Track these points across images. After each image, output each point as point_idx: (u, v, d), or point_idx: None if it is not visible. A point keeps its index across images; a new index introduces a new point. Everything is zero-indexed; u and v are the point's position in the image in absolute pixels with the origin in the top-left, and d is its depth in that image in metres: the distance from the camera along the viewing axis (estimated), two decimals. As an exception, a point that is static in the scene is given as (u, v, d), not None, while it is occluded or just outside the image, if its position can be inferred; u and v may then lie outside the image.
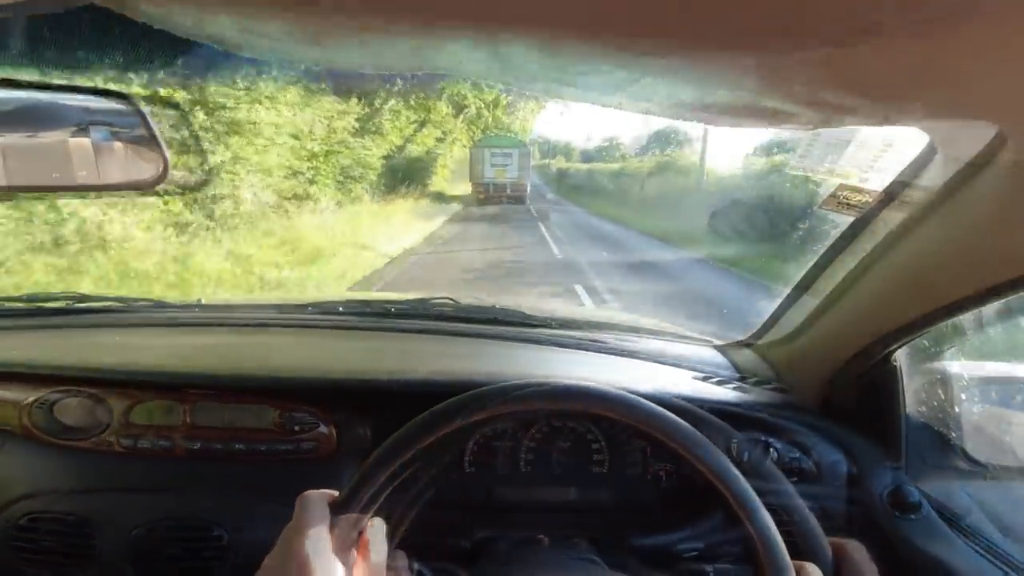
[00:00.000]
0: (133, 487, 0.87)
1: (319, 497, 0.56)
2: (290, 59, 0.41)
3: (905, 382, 0.93)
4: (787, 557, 0.58)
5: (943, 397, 0.99)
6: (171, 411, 0.89)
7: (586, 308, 3.84)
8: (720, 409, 0.96)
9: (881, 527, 0.88)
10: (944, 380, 1.00)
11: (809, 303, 0.96)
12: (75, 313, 1.22)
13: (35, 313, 1.21)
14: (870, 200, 0.69)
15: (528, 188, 24.25)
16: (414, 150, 19.66)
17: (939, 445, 0.98)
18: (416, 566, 0.75)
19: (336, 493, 0.58)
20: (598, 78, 0.40)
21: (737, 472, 0.62)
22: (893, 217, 0.70)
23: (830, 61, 0.33)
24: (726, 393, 1.02)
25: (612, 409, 0.63)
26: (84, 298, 1.34)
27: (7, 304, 1.28)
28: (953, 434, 0.97)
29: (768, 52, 0.33)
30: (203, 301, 1.50)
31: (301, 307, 1.35)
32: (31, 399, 0.88)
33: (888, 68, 0.35)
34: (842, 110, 0.41)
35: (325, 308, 1.32)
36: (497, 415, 0.63)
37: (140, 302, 1.35)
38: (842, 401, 0.97)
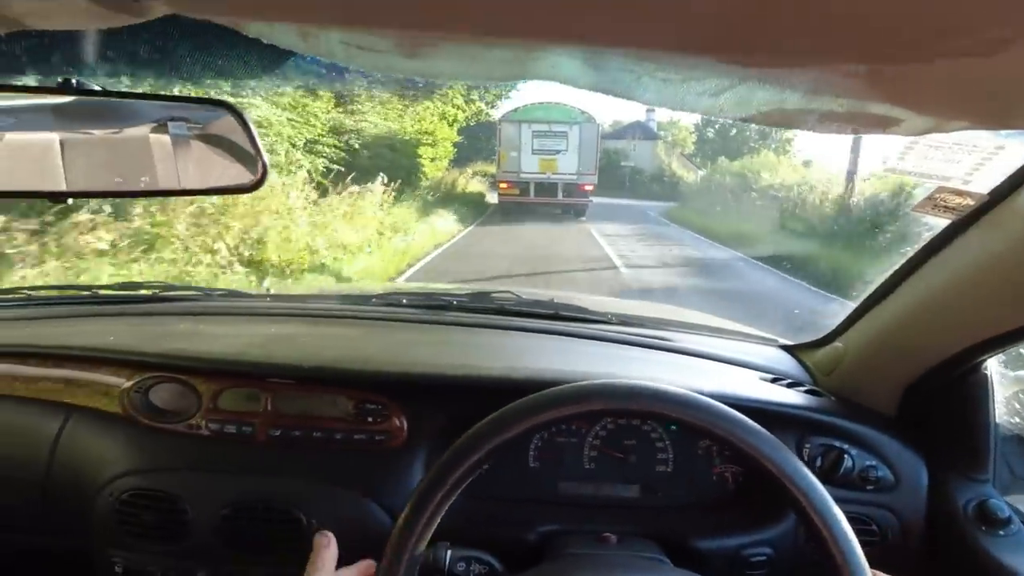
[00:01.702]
0: (220, 469, 0.92)
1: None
2: (390, 72, 0.43)
3: (995, 391, 0.88)
4: (865, 563, 0.57)
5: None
6: (254, 398, 0.94)
7: (645, 304, 3.76)
8: (790, 413, 0.94)
9: (965, 542, 0.84)
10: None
11: (893, 307, 0.92)
12: (161, 301, 1.30)
13: (127, 300, 1.30)
14: (970, 203, 0.65)
15: (592, 190, 16.02)
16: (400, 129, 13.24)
17: None
18: (450, 553, 0.76)
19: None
20: (697, 84, 0.40)
21: (813, 476, 0.60)
22: (994, 220, 0.66)
23: (953, 71, 0.32)
24: (796, 396, 1.00)
25: (684, 411, 0.62)
26: (169, 287, 1.43)
27: (103, 292, 1.37)
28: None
29: (888, 64, 0.32)
30: (272, 291, 1.56)
31: (365, 298, 1.39)
32: (129, 384, 0.95)
33: (1011, 77, 0.33)
34: (956, 116, 0.39)
35: (389, 300, 1.35)
36: (565, 416, 0.63)
37: (217, 291, 1.42)
38: (924, 409, 0.93)
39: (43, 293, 1.32)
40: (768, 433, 0.61)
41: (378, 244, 9.03)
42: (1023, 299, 0.68)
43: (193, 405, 0.94)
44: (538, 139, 15.98)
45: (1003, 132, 0.54)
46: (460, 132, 17.80)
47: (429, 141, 14.88)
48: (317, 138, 9.15)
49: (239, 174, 0.69)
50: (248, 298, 1.45)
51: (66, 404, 0.98)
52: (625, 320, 1.30)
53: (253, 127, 0.66)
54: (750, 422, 0.62)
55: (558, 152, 16.01)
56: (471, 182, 20.21)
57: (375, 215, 9.61)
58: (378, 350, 1.08)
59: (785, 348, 1.25)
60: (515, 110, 16.60)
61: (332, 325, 1.22)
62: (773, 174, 15.88)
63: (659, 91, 0.40)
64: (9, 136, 0.65)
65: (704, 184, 22.94)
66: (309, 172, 8.44)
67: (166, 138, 0.67)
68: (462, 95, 15.88)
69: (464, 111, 17.35)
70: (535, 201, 15.95)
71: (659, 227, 16.58)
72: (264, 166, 0.68)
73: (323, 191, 8.55)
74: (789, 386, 1.03)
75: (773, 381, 1.04)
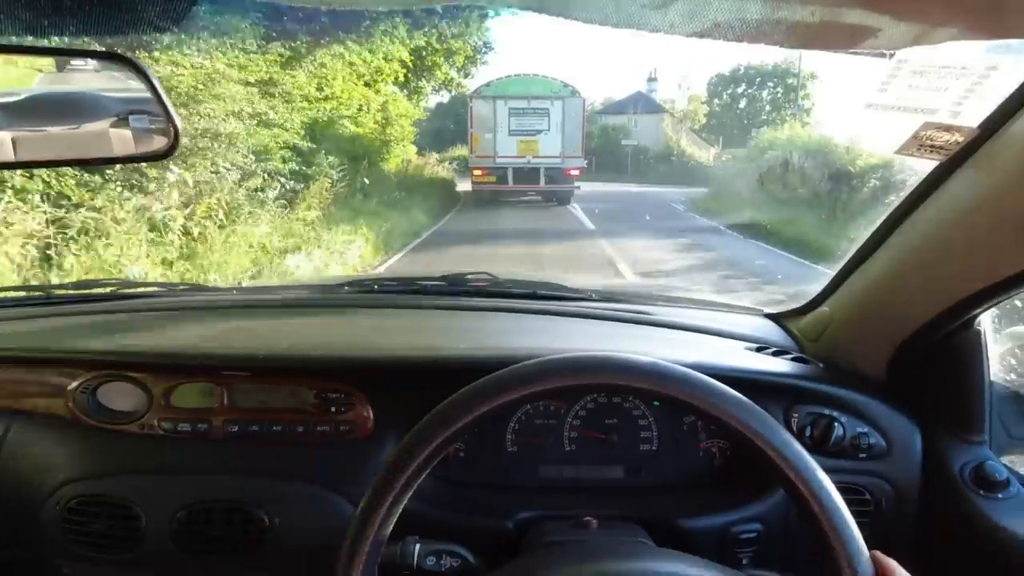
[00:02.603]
0: (175, 470, 0.86)
1: None
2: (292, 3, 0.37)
3: (989, 348, 0.84)
4: (862, 542, 0.52)
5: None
6: (208, 394, 0.88)
7: (627, 281, 3.72)
8: (776, 381, 0.90)
9: (963, 507, 0.80)
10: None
11: (878, 264, 0.88)
12: (120, 299, 1.24)
13: (83, 300, 1.23)
14: (959, 139, 0.60)
15: (579, 174, 13.96)
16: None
17: None
18: (419, 547, 0.72)
19: None
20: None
21: (801, 449, 0.55)
22: (987, 155, 0.61)
23: None
24: (782, 364, 0.95)
25: (658, 382, 0.57)
26: (127, 284, 1.37)
27: (59, 292, 1.31)
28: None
29: None
30: (243, 284, 1.50)
31: (337, 287, 1.33)
32: (75, 384, 0.89)
33: None
34: (942, 23, 0.34)
35: (361, 287, 1.30)
36: (533, 393, 0.58)
37: (180, 286, 1.36)
38: (915, 371, 0.88)
39: None
40: (752, 403, 0.56)
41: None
42: (1018, 242, 0.63)
43: (144, 404, 0.88)
44: (515, 117, 13.88)
45: (997, 45, 0.48)
46: (433, 113, 15.61)
47: (377, 119, 11.95)
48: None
49: (151, 142, 0.63)
50: (213, 292, 1.39)
51: (10, 409, 0.92)
52: (606, 296, 1.26)
53: (159, 85, 0.59)
54: (731, 392, 0.57)
55: (539, 132, 13.91)
56: (438, 169, 17.41)
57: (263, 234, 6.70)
58: (342, 337, 1.03)
59: (770, 317, 1.21)
60: (488, 84, 14.31)
61: (299, 315, 1.17)
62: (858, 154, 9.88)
63: (597, 5, 0.34)
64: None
65: (729, 164, 18.70)
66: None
67: (74, 108, 0.62)
68: (407, 47, 11.79)
69: (428, 81, 14.86)
70: (514, 189, 14.07)
71: (717, 238, 10.27)
72: (176, 131, 0.62)
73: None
74: (775, 354, 0.98)
75: (758, 350, 1.00)
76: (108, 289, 1.28)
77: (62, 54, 0.69)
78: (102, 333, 1.04)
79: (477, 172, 14.12)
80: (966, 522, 0.81)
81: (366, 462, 0.86)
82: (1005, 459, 0.85)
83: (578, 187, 14.24)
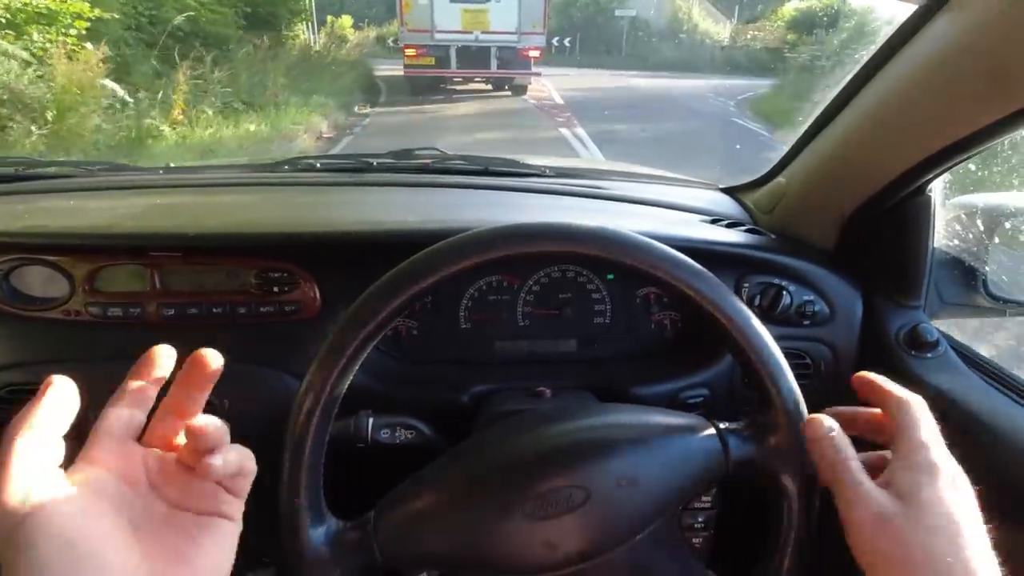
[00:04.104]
0: (112, 356, 0.82)
1: None
2: None
3: (936, 217, 0.85)
4: (803, 403, 0.54)
5: (973, 231, 0.91)
6: (138, 276, 0.82)
7: (585, 158, 3.64)
8: (729, 252, 0.90)
9: (894, 366, 0.85)
10: (976, 213, 0.92)
11: (837, 130, 0.85)
12: (27, 179, 1.12)
13: None
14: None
15: (540, 56, 11.29)
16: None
17: (962, 283, 0.92)
18: (372, 421, 0.72)
19: None
20: None
21: (749, 311, 0.56)
22: (938, 28, 0.57)
23: None
24: (735, 235, 0.95)
25: (611, 248, 0.55)
26: (35, 162, 1.23)
27: None
28: (978, 271, 0.91)
29: None
30: (169, 165, 1.38)
31: (275, 165, 1.24)
32: None
33: None
34: None
35: (302, 166, 1.21)
36: (479, 263, 0.55)
37: (98, 166, 1.23)
38: (863, 240, 0.90)
39: None
40: (705, 270, 0.56)
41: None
42: (970, 106, 0.61)
43: (66, 289, 0.82)
44: None
45: None
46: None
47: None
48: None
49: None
50: (135, 171, 1.27)
51: None
52: (561, 172, 1.22)
53: None
54: (685, 258, 0.56)
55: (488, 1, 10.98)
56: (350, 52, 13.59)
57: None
58: (281, 213, 0.96)
59: (725, 191, 1.20)
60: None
61: (232, 194, 1.08)
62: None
63: None
64: None
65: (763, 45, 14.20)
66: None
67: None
68: None
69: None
70: (457, 74, 11.42)
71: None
72: None
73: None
74: (728, 226, 0.98)
75: (712, 222, 0.99)
76: (12, 169, 1.15)
77: None
78: (14, 215, 0.94)
79: (410, 52, 11.12)
80: (896, 380, 0.86)
81: (315, 341, 0.83)
82: (936, 323, 0.89)
83: (538, 73, 11.87)
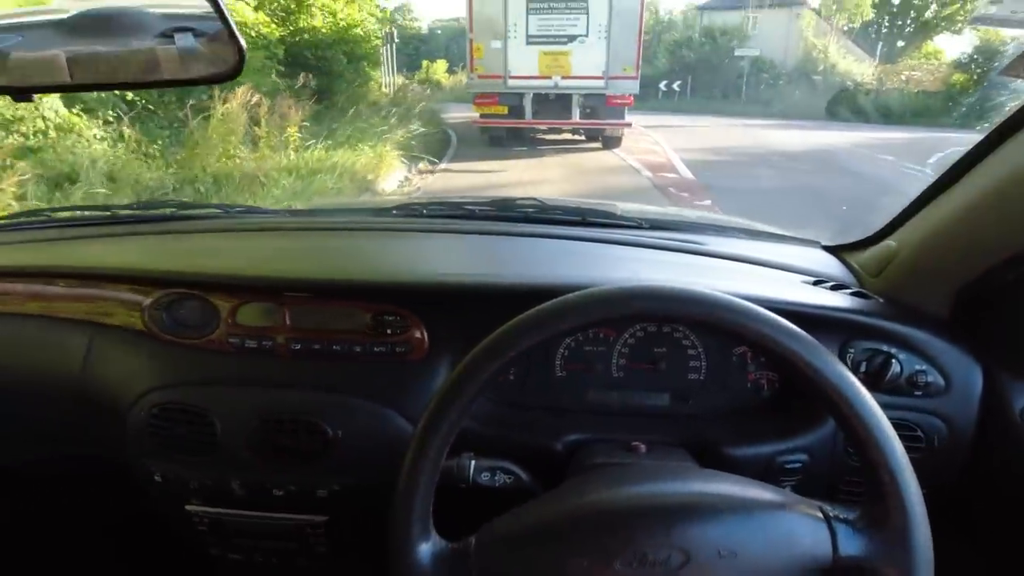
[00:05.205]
0: (245, 383, 0.92)
1: None
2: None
3: None
4: (916, 489, 0.53)
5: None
6: (272, 313, 0.92)
7: (679, 209, 3.60)
8: (832, 315, 0.88)
9: (1020, 446, 0.79)
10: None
11: (955, 199, 0.83)
12: (180, 219, 1.28)
13: (146, 220, 1.28)
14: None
15: (631, 102, 9.74)
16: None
17: None
18: (474, 464, 0.76)
19: None
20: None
21: (854, 378, 0.55)
22: None
23: None
24: (840, 298, 0.93)
25: (713, 313, 0.57)
26: (187, 205, 1.41)
27: (122, 212, 1.36)
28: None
29: None
30: (291, 207, 1.53)
31: (385, 210, 1.35)
32: (150, 300, 0.94)
33: None
34: None
35: (410, 211, 1.31)
36: (594, 322, 0.60)
37: (236, 208, 1.39)
38: (980, 310, 0.85)
39: (63, 215, 1.31)
40: (807, 335, 0.56)
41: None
42: None
43: (212, 321, 0.93)
44: (537, 16, 9.49)
45: None
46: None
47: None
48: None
49: (213, 62, 0.63)
50: (266, 214, 1.42)
51: (91, 322, 0.99)
52: (657, 224, 1.24)
53: (224, 4, 0.58)
54: (786, 323, 0.57)
55: (572, 39, 9.56)
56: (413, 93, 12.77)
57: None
58: (395, 261, 1.05)
59: (828, 249, 1.17)
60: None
61: (350, 238, 1.19)
62: None
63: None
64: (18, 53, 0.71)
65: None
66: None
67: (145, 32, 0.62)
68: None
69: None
70: (534, 125, 10.03)
71: None
72: (241, 50, 0.61)
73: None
74: (832, 288, 0.96)
75: (815, 283, 0.98)
76: (168, 210, 1.33)
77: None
78: (170, 253, 1.09)
79: (482, 103, 9.86)
80: (1020, 460, 0.81)
81: (421, 381, 0.90)
82: None
83: (629, 124, 10.07)
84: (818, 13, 19.28)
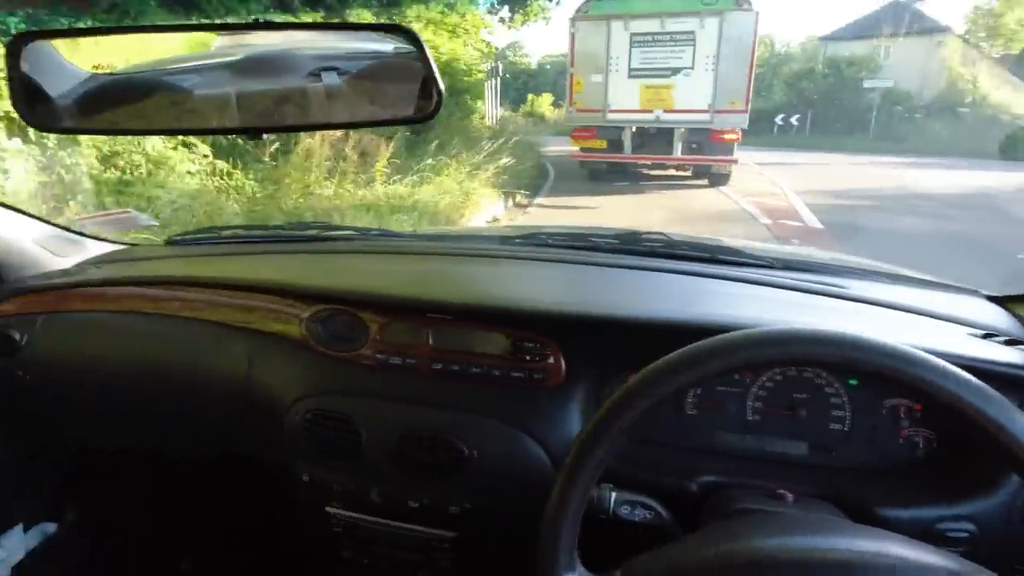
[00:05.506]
0: (388, 397, 0.98)
1: None
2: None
3: None
4: None
5: None
6: (416, 333, 0.98)
7: (809, 249, 3.36)
8: (1014, 374, 0.80)
9: None
10: None
11: None
12: (325, 240, 1.40)
13: (296, 239, 1.42)
14: None
15: (739, 139, 9.22)
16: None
17: None
18: (614, 496, 0.76)
19: None
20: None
21: None
22: None
23: None
24: (1018, 355, 0.84)
25: (892, 364, 0.54)
26: (330, 226, 1.54)
27: (274, 232, 1.51)
28: None
29: None
30: (417, 231, 1.62)
31: (510, 238, 1.39)
32: (308, 313, 1.03)
33: None
34: None
35: (535, 240, 1.34)
36: (753, 362, 0.58)
37: (371, 231, 1.50)
38: None
39: (227, 232, 1.48)
40: (991, 388, 0.52)
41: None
42: None
43: (361, 336, 1.00)
44: (640, 49, 9.22)
45: None
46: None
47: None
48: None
49: (408, 104, 0.69)
50: (398, 237, 1.52)
51: (255, 330, 1.09)
52: (789, 264, 1.19)
53: (428, 51, 0.65)
54: (967, 375, 0.53)
55: (676, 72, 9.17)
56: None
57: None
58: (532, 288, 1.08)
59: (993, 299, 1.07)
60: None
61: (481, 264, 1.24)
62: None
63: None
64: (198, 92, 0.80)
65: None
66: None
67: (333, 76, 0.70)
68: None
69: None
70: (633, 159, 9.67)
71: None
72: (440, 93, 0.67)
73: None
74: (1006, 343, 0.87)
75: (984, 336, 0.89)
76: (315, 231, 1.46)
77: (341, 28, 0.78)
78: (323, 270, 1.20)
79: (581, 136, 9.68)
80: None
81: (555, 408, 0.91)
82: None
83: (735, 160, 9.47)
84: (965, 40, 17.21)
